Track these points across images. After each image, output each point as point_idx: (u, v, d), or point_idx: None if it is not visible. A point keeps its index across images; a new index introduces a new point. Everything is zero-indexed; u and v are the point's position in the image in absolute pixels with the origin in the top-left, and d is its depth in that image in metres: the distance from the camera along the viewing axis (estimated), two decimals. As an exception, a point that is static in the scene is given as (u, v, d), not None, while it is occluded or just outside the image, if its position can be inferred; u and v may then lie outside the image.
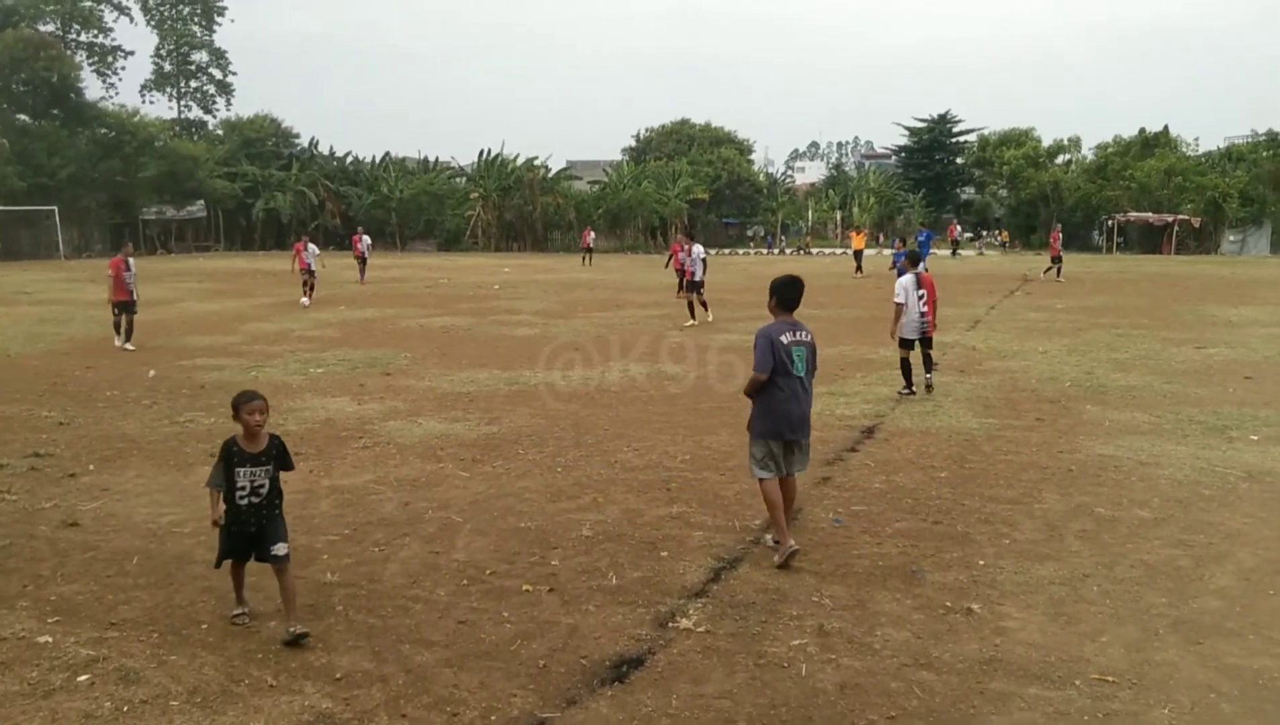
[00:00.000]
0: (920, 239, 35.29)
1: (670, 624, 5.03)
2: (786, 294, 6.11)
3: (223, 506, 4.89)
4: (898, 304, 11.15)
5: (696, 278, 19.09)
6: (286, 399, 11.12)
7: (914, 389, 11.21)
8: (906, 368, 11.28)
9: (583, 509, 6.99)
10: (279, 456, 5.05)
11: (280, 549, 4.89)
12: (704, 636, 4.88)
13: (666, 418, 10.12)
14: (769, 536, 6.15)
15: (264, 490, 4.93)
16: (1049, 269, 30.78)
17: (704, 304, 19.17)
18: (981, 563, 5.88)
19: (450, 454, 8.62)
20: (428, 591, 5.49)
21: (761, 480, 5.95)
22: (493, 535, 6.43)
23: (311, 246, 24.42)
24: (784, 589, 5.49)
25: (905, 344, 11.27)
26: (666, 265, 26.35)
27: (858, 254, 36.77)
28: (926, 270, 32.73)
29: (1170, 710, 4.15)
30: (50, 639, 4.87)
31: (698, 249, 19.45)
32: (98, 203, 54.20)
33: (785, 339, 5.91)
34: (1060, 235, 32.21)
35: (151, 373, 13.04)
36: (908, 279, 11.20)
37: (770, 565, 5.85)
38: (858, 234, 39.94)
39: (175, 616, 5.15)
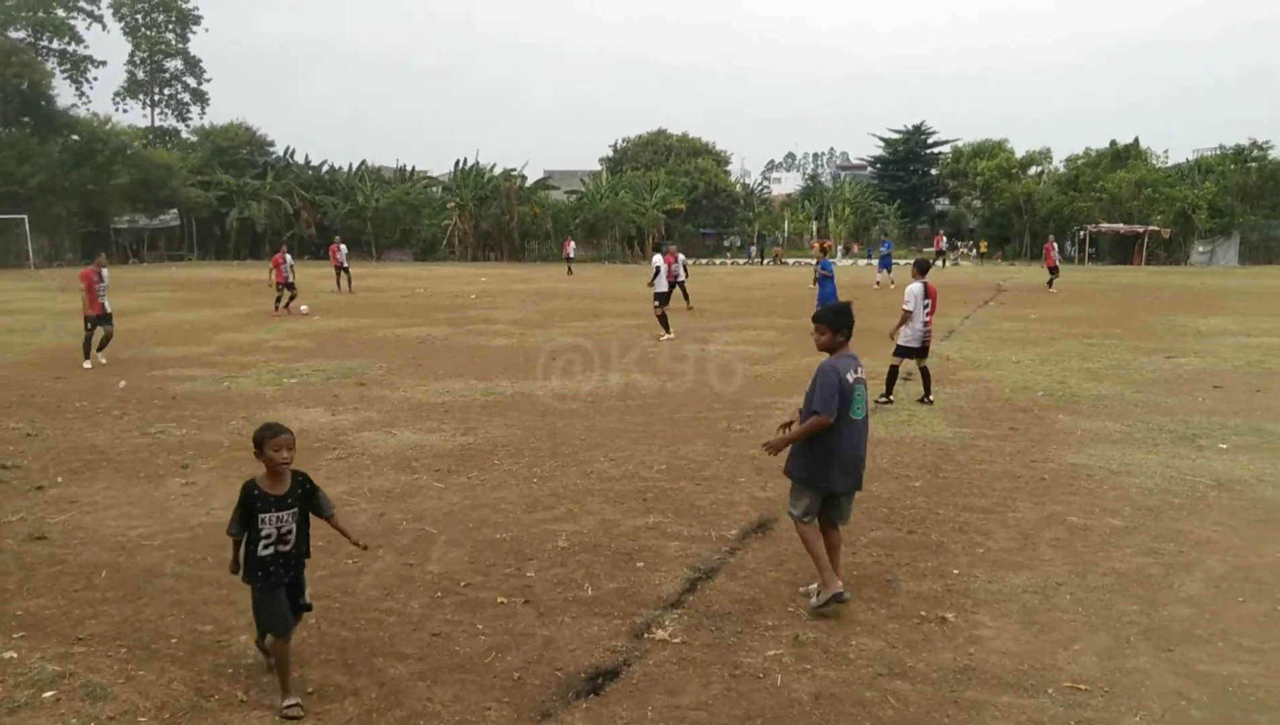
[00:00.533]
0: (883, 249, 35.61)
1: (646, 635, 5.02)
2: (847, 325, 5.38)
3: (238, 562, 4.38)
4: (907, 311, 11.17)
5: (659, 288, 18.49)
6: (260, 410, 11.02)
7: (892, 399, 11.27)
8: (893, 376, 11.34)
9: (558, 520, 6.97)
10: (306, 496, 4.42)
11: (305, 597, 4.53)
12: (680, 647, 4.87)
13: (643, 428, 10.11)
14: (812, 587, 5.46)
15: (292, 537, 4.34)
16: (1050, 281, 30.96)
17: (663, 317, 18.38)
18: (956, 572, 5.91)
19: (425, 465, 8.57)
20: (401, 604, 5.44)
21: (803, 522, 5.33)
22: (467, 547, 6.39)
23: (288, 257, 24.27)
24: (759, 599, 5.49)
25: (903, 352, 11.29)
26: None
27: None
28: (891, 281, 32.79)
29: (1141, 717, 4.18)
30: (15, 655, 4.78)
31: (657, 257, 18.86)
32: (69, 211, 53.58)
33: (851, 377, 5.22)
34: (1054, 247, 32.29)
35: (122, 383, 12.89)
36: (917, 287, 11.24)
37: (745, 575, 5.85)
38: (825, 245, 39.11)
39: (144, 631, 5.07)
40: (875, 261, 34.80)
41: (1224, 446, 9.12)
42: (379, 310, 24.54)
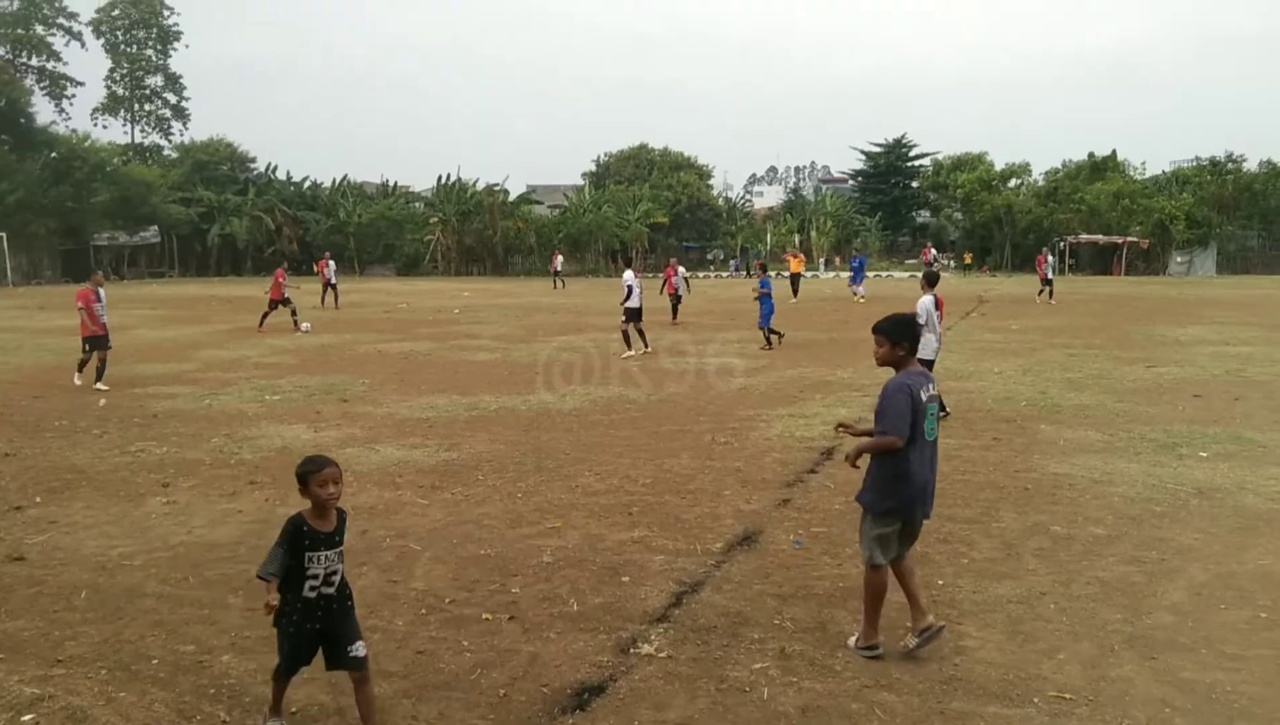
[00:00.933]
0: (854, 265, 35.64)
1: (632, 650, 5.00)
2: (912, 337, 4.98)
3: (276, 595, 3.90)
4: (920, 324, 11.18)
5: (633, 305, 17.83)
6: (241, 427, 10.95)
7: (947, 410, 11.21)
8: None
9: (543, 535, 6.95)
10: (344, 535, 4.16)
11: (360, 649, 4.06)
12: (665, 662, 4.86)
13: (628, 441, 10.11)
14: (851, 641, 5.02)
15: (336, 578, 4.03)
16: (1041, 291, 31.11)
17: (641, 333, 17.90)
18: (940, 582, 5.92)
19: (408, 481, 8.53)
20: (386, 621, 5.40)
21: (876, 568, 4.88)
22: (452, 563, 6.36)
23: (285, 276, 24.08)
24: (745, 613, 5.48)
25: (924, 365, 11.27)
26: (661, 291, 25.33)
27: (794, 278, 35.08)
28: (863, 295, 32.66)
29: (1126, 726, 4.20)
30: (-7, 678, 4.72)
31: (628, 274, 18.27)
32: (48, 229, 53.12)
33: (924, 395, 4.80)
34: (1046, 259, 32.39)
35: (102, 402, 12.78)
36: (929, 300, 11.27)
37: (731, 589, 5.84)
38: (795, 258, 37.89)
39: (124, 652, 5.02)
40: (855, 275, 34.74)
41: (1204, 455, 9.19)
42: (362, 326, 24.46)
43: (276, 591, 3.87)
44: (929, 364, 11.32)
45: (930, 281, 11.74)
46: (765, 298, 19.11)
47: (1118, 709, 4.34)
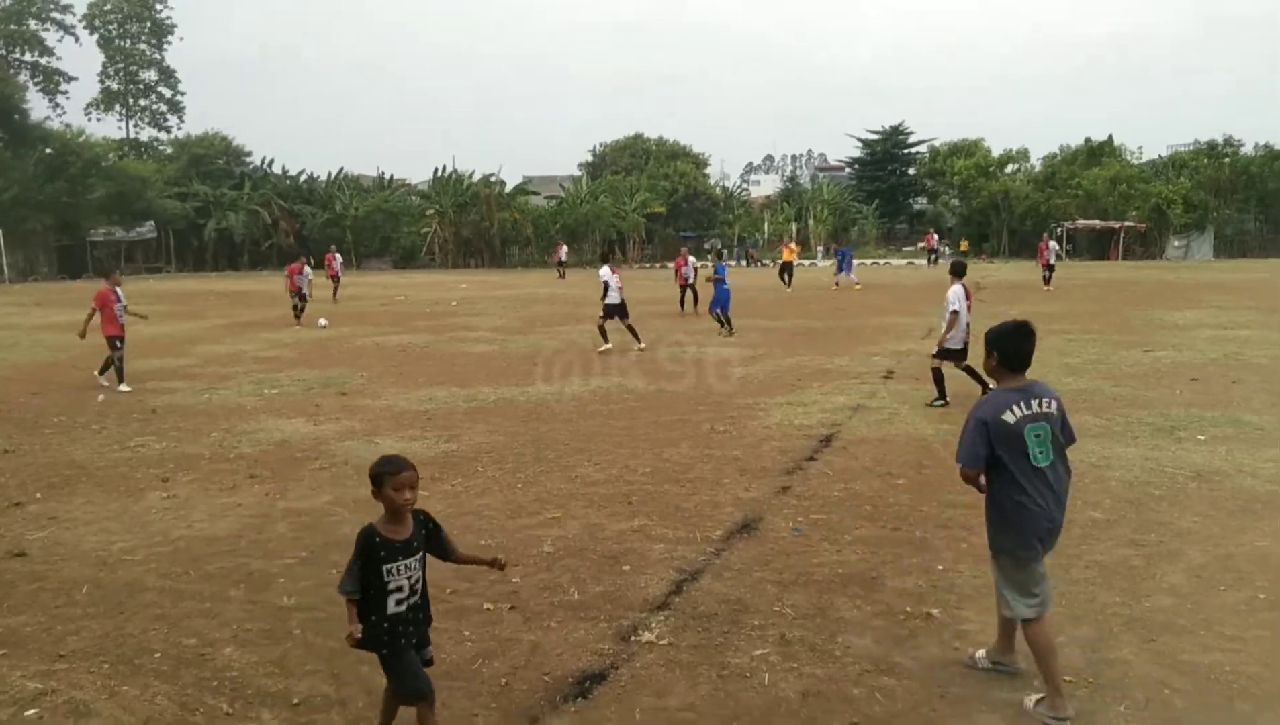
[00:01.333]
0: (840, 256, 35.57)
1: (632, 638, 5.02)
2: (1012, 347, 4.35)
3: (358, 625, 3.59)
4: (954, 312, 11.08)
5: (613, 301, 17.08)
6: (240, 421, 10.95)
7: (948, 400, 11.06)
8: (939, 378, 11.17)
9: (543, 525, 6.96)
10: (430, 535, 3.83)
11: (428, 653, 3.92)
12: (666, 649, 4.88)
13: (627, 431, 10.12)
14: (1029, 701, 4.26)
15: (420, 586, 3.74)
16: (1047, 279, 31.09)
17: (631, 328, 17.24)
18: (940, 568, 5.94)
19: (409, 473, 8.52)
20: (387, 612, 5.41)
21: (1026, 621, 4.26)
22: (453, 554, 6.36)
23: (307, 269, 24.03)
24: (746, 600, 5.49)
25: (950, 355, 11.15)
26: (676, 280, 25.41)
27: (786, 266, 34.45)
28: (836, 283, 32.31)
29: (1126, 707, 4.22)
30: (-4, 673, 4.73)
31: (604, 270, 17.43)
32: (43, 225, 53.08)
33: (1011, 417, 4.16)
34: (1048, 245, 32.27)
35: (100, 397, 12.78)
36: (959, 289, 11.22)
37: (731, 576, 5.86)
38: (788, 247, 36.99)
39: (126, 646, 5.03)
40: (840, 265, 34.66)
41: (1202, 438, 9.21)
42: (359, 319, 24.43)
43: (358, 619, 3.59)
44: (959, 354, 11.25)
45: (958, 271, 11.62)
46: (718, 283, 19.08)
47: (1117, 691, 4.36)
